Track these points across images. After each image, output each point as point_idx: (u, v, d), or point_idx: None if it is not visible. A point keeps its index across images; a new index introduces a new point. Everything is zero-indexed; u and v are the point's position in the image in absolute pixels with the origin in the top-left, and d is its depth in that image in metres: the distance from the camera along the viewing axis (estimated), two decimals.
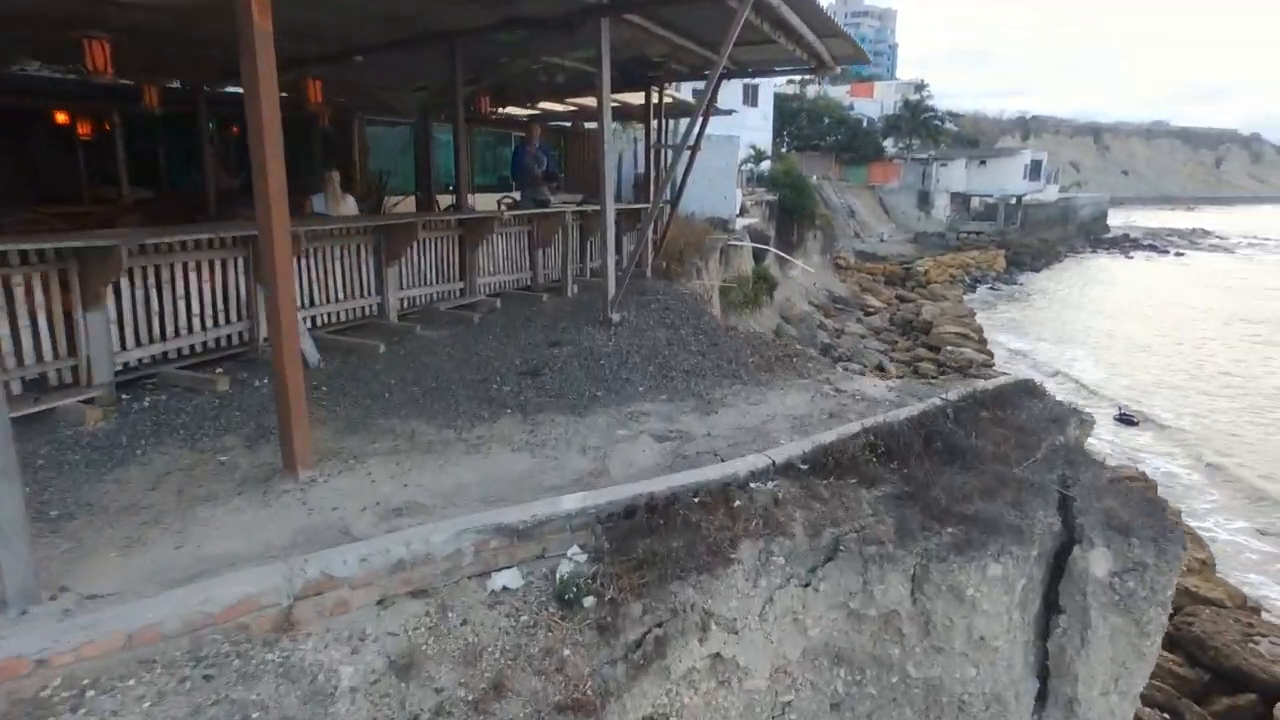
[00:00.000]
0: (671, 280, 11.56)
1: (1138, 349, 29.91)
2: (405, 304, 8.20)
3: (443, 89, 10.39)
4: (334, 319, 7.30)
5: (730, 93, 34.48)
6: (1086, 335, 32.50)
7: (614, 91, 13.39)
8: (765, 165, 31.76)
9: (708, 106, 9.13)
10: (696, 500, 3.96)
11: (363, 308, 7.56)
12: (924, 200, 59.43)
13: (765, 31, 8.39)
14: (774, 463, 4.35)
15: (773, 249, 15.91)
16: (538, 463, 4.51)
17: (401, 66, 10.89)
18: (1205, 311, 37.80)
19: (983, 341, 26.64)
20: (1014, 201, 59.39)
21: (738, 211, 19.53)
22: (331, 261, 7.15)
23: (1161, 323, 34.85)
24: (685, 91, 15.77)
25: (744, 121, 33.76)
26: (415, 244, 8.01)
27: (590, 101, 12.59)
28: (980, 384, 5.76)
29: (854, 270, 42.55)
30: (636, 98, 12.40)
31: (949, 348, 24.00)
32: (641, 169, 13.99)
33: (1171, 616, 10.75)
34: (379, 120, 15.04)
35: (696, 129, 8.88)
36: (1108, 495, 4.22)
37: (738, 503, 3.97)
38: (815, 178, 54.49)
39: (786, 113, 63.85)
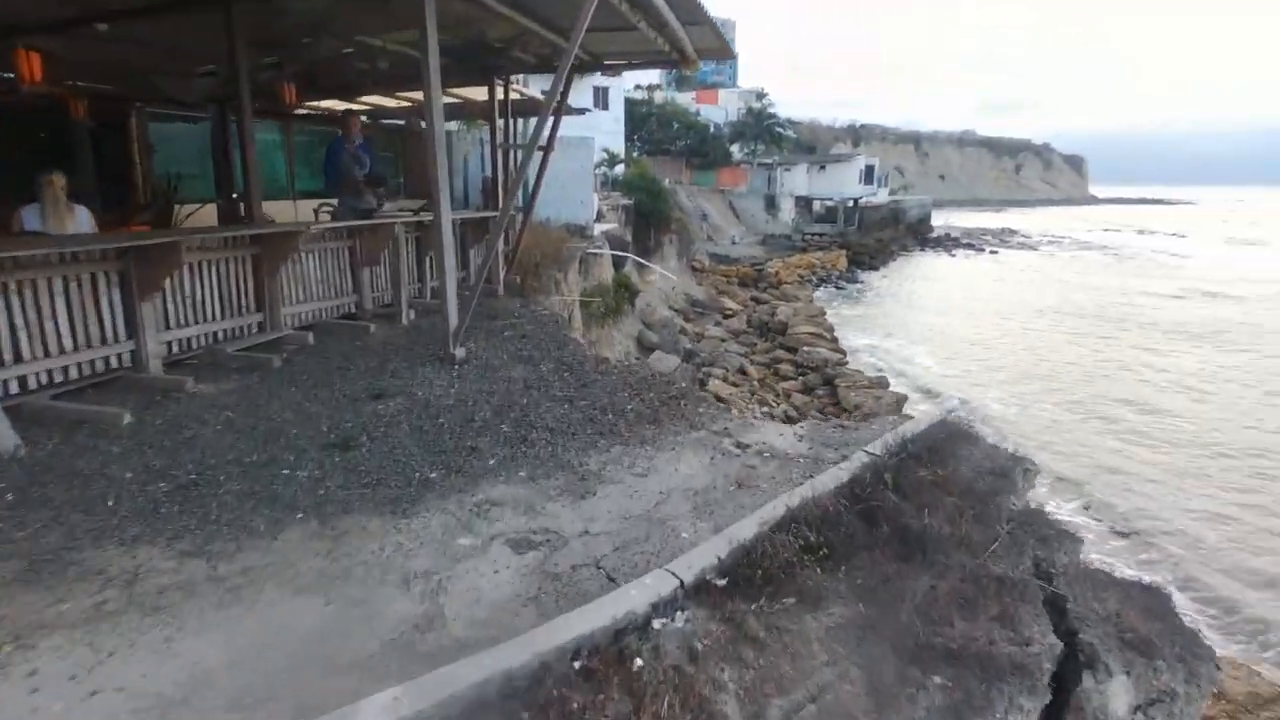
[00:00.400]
0: (528, 298, 10.13)
1: (967, 343, 31.77)
2: (177, 348, 6.26)
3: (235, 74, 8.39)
4: (59, 378, 5.29)
5: (580, 95, 33.37)
6: (924, 330, 34.20)
7: (453, 85, 11.74)
8: (619, 169, 30.88)
9: (559, 102, 7.81)
10: (578, 668, 2.64)
11: (106, 359, 5.57)
12: (771, 204, 61.29)
13: (624, 14, 7.19)
14: (682, 583, 3.12)
15: (632, 255, 14.88)
16: (334, 613, 2.99)
17: (176, 43, 8.75)
18: (1020, 304, 41.20)
19: (835, 340, 27.12)
20: (852, 204, 62.55)
21: (595, 217, 18.43)
22: (49, 298, 5.16)
23: (986, 317, 37.44)
24: (535, 89, 14.41)
25: (596, 124, 32.77)
26: (184, 269, 6.10)
27: None
28: (907, 429, 4.84)
29: (710, 273, 42.74)
30: (480, 93, 10.87)
31: (805, 348, 24.09)
32: (489, 172, 12.48)
33: None
34: (173, 114, 12.48)
35: (548, 127, 7.55)
36: (1106, 591, 3.35)
37: (638, 662, 2.69)
38: (668, 182, 54.72)
39: (637, 117, 63.86)
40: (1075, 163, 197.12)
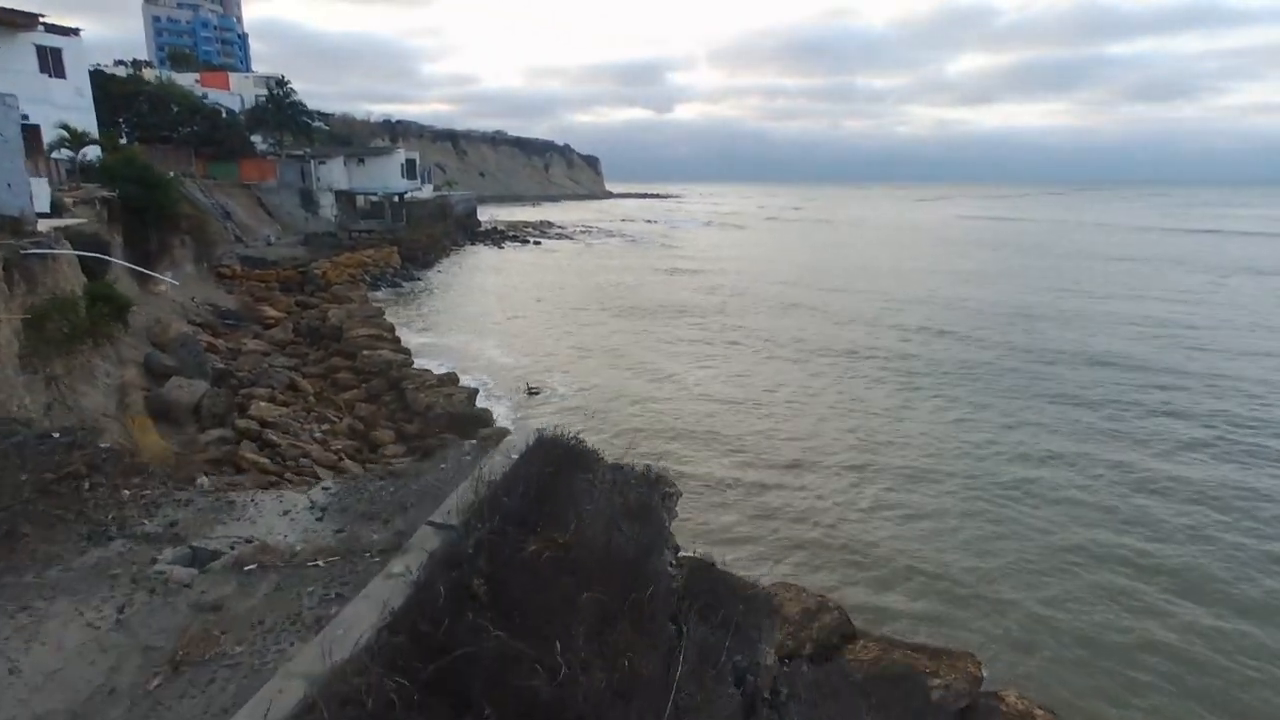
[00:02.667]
0: None
1: (528, 332, 33.31)
2: None
3: None
4: None
5: (20, 58, 25.30)
6: (488, 324, 34.83)
7: None
8: (90, 152, 24.32)
9: None
10: None
11: None
12: (308, 199, 56.13)
13: None
14: None
15: (119, 261, 11.37)
16: None
17: None
18: (565, 290, 44.91)
19: (397, 340, 25.69)
20: (397, 199, 60.85)
21: (45, 208, 13.74)
22: None
23: (543, 305, 39.78)
24: None
25: (47, 95, 25.33)
26: None
27: None
28: (495, 467, 3.67)
29: (243, 279, 37.19)
30: None
31: (365, 352, 22.20)
32: None
33: None
34: None
35: None
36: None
37: None
38: (173, 174, 45.82)
39: (120, 97, 52.28)
40: (592, 161, 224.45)
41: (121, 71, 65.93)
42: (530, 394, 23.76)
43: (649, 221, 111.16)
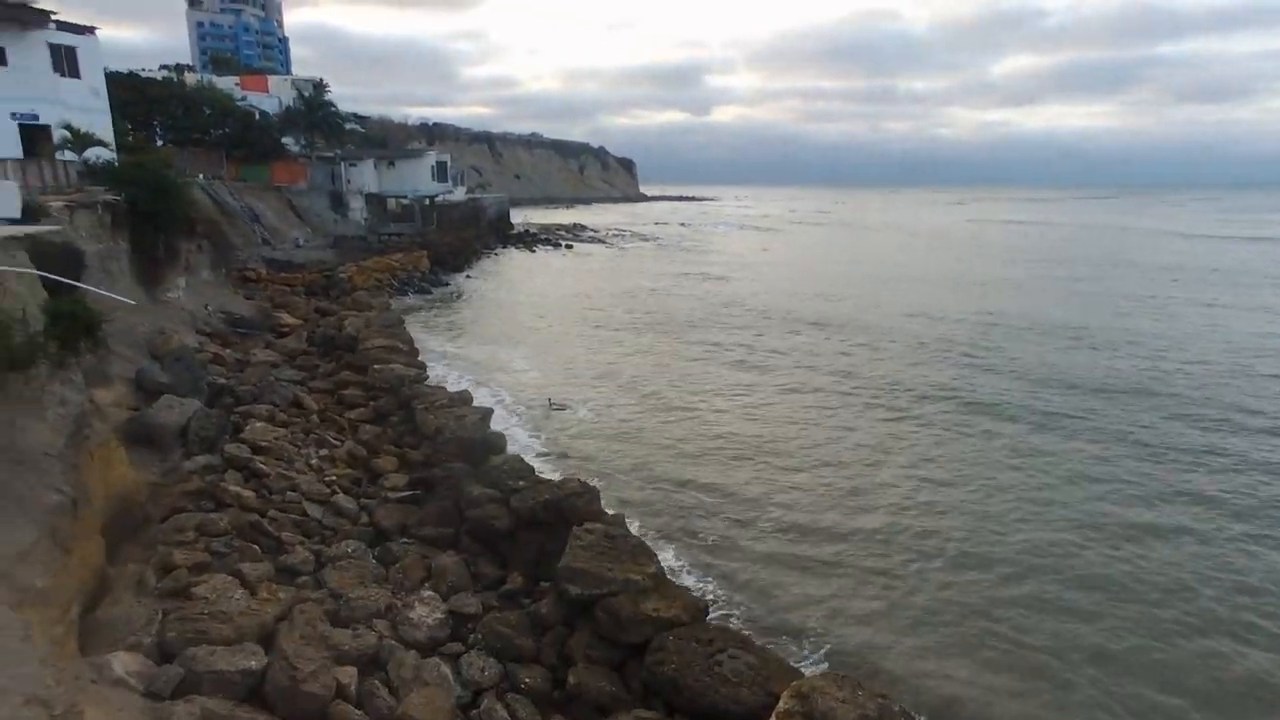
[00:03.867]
0: None
1: (556, 341, 31.84)
2: None
3: None
4: None
5: (32, 56, 24.58)
6: (514, 331, 33.47)
7: None
8: (97, 154, 23.45)
9: None
10: None
11: None
12: (338, 202, 55.57)
13: None
14: None
15: (82, 285, 10.04)
16: None
17: None
18: (595, 296, 43.44)
19: (414, 352, 24.32)
20: (428, 202, 60.05)
21: (16, 214, 12.59)
22: None
23: (573, 313, 38.33)
24: None
25: (59, 95, 24.56)
26: None
27: None
28: None
29: (267, 283, 36.41)
30: None
31: (377, 366, 20.85)
32: None
33: (642, 657, 9.59)
34: None
35: None
36: None
37: None
38: (203, 177, 45.38)
39: (155, 100, 52.34)
40: (627, 164, 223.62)
41: (161, 75, 66.40)
42: (552, 409, 22.31)
43: (682, 225, 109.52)
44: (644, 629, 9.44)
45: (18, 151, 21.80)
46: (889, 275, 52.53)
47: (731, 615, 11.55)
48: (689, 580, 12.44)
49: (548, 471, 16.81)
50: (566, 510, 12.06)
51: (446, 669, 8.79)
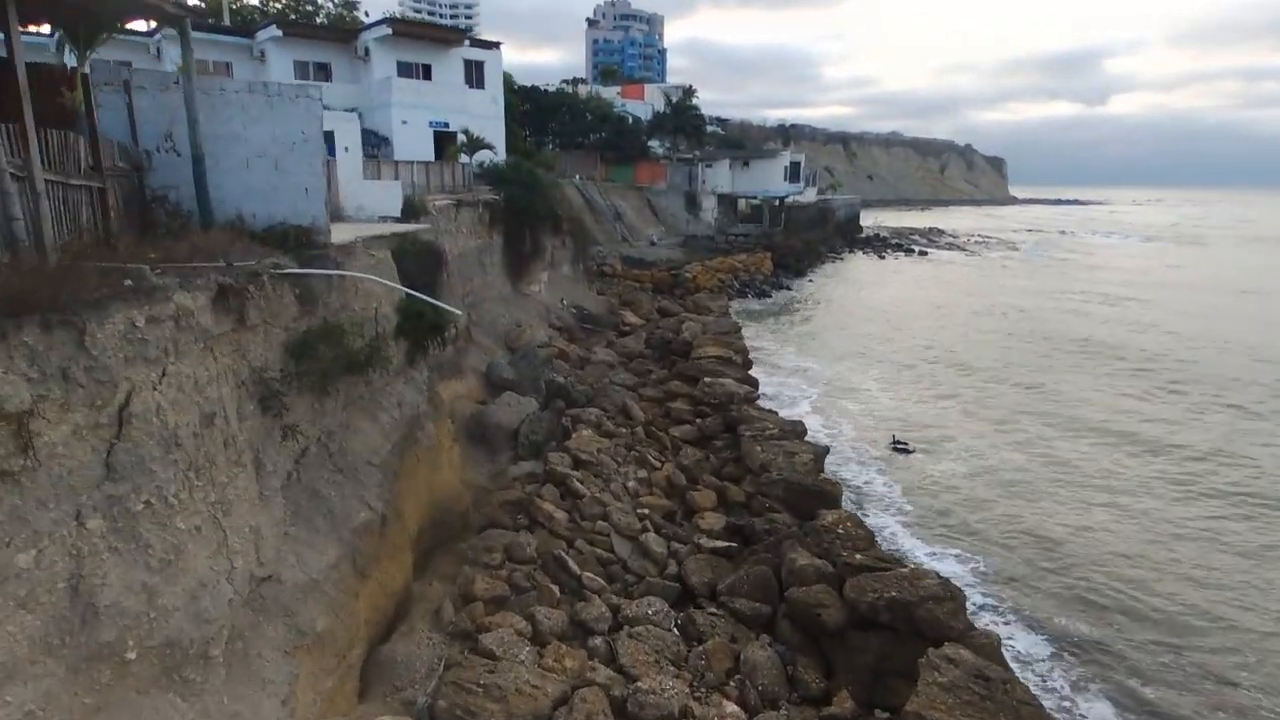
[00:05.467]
0: None
1: (903, 365, 27.87)
2: None
3: None
4: None
5: (449, 67, 28.20)
6: (855, 349, 30.25)
7: None
8: (484, 156, 25.74)
9: None
10: None
11: None
12: (692, 202, 57.05)
13: None
14: None
15: (427, 298, 9.88)
16: None
17: None
18: (954, 313, 37.86)
19: (747, 365, 22.67)
20: (777, 203, 58.86)
21: (398, 212, 13.34)
22: None
23: (922, 332, 33.75)
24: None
25: (465, 105, 27.62)
26: None
27: None
28: None
29: (620, 278, 38.14)
30: None
31: (708, 378, 19.53)
32: None
33: None
34: None
35: None
36: None
37: None
38: (579, 178, 49.65)
39: (548, 108, 58.91)
40: (996, 164, 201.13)
41: (554, 85, 75.27)
42: (896, 450, 18.91)
43: (1061, 233, 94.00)
44: None
45: (430, 155, 24.85)
46: None
47: None
48: None
49: (891, 536, 13.74)
50: (919, 620, 9.05)
51: None
